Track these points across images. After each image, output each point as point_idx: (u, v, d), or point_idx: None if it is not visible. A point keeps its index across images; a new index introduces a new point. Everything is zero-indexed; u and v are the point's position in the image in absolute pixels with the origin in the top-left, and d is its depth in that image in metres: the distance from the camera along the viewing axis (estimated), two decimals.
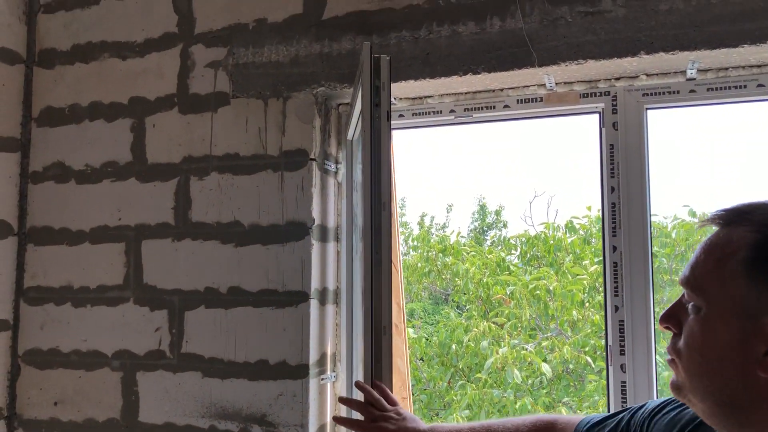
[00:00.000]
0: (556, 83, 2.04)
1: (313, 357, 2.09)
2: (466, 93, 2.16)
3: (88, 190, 2.37)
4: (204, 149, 2.24)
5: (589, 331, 6.24)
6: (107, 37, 2.39)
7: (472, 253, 8.75)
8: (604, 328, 2.02)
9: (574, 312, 6.31)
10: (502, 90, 2.12)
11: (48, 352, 2.37)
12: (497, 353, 6.12)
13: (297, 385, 2.07)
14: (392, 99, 2.16)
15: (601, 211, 2.04)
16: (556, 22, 1.91)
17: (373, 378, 1.67)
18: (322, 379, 2.14)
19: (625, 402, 1.93)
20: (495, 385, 6.60)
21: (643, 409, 1.26)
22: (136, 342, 2.27)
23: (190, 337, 2.21)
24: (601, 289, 6.68)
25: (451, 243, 8.96)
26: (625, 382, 1.93)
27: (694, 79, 1.93)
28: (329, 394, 2.18)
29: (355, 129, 2.12)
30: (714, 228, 0.96)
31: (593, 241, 7.58)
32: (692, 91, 1.95)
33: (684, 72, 1.93)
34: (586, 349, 6.32)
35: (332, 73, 2.11)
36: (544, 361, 6.20)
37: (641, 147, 1.97)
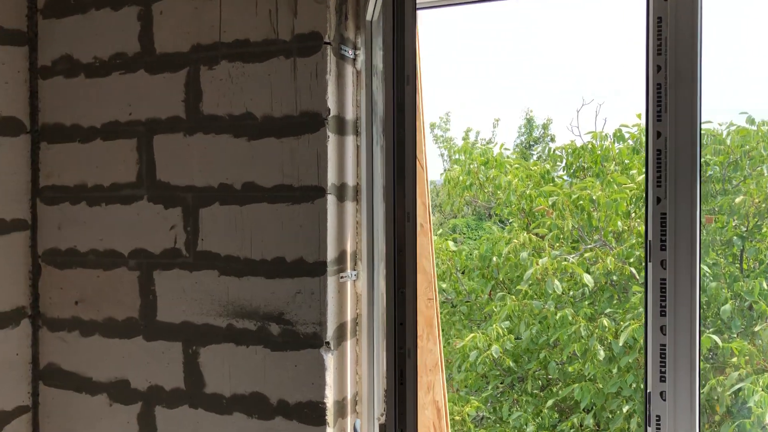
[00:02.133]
0: None
1: (331, 254, 1.99)
2: None
3: (97, 84, 2.26)
4: (213, 36, 2.09)
5: (634, 242, 6.04)
6: None
7: (516, 165, 8.53)
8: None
9: (619, 222, 6.10)
10: None
11: (66, 252, 2.33)
12: (537, 264, 5.99)
13: (315, 283, 1.99)
14: None
15: (645, 92, 1.84)
16: None
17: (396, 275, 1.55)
18: (342, 277, 2.04)
19: (664, 300, 1.78)
20: (535, 296, 6.51)
21: None
22: (151, 241, 2.20)
23: (206, 235, 2.13)
24: None
25: (494, 155, 8.73)
26: (665, 280, 1.78)
27: None
28: (350, 292, 2.09)
29: (375, 6, 1.94)
30: None
31: (642, 150, 7.27)
32: None
33: None
34: (631, 260, 6.14)
35: None
36: (587, 272, 6.05)
37: (693, 19, 1.75)
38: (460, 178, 8.82)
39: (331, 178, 1.98)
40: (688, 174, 1.76)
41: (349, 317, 2.09)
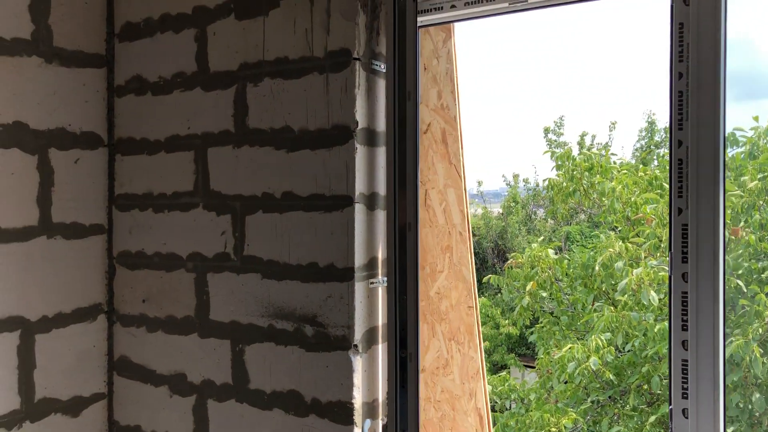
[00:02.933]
0: None
1: (359, 260, 2.07)
2: None
3: (162, 101, 2.47)
4: (258, 55, 2.24)
5: (742, 252, 5.69)
6: None
7: (624, 171, 8.23)
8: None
9: (726, 232, 5.76)
10: None
11: (136, 254, 2.56)
12: (632, 274, 5.77)
13: (343, 288, 2.07)
14: None
15: (669, 100, 1.79)
16: None
17: (397, 277, 1.62)
18: (372, 282, 2.12)
19: (686, 315, 1.72)
20: (635, 307, 6.27)
21: None
22: (205, 245, 2.38)
23: (251, 240, 2.27)
24: (762, 204, 6.05)
25: (599, 161, 8.46)
26: (686, 293, 1.73)
27: None
28: (380, 297, 2.16)
29: None
30: None
31: (758, 154, 6.82)
32: None
33: None
34: (740, 272, 5.78)
35: None
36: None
37: (716, 25, 1.68)
38: (564, 184, 8.63)
39: (360, 187, 2.06)
40: (710, 184, 1.69)
41: (380, 322, 2.16)
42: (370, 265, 2.12)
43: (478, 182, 19.00)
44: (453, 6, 2.07)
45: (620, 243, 6.21)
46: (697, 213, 1.71)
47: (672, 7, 1.75)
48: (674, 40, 1.74)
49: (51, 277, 2.42)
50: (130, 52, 2.55)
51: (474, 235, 16.92)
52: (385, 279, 2.17)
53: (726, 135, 1.72)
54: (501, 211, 18.16)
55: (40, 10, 2.36)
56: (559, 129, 17.63)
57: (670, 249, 1.78)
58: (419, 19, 2.13)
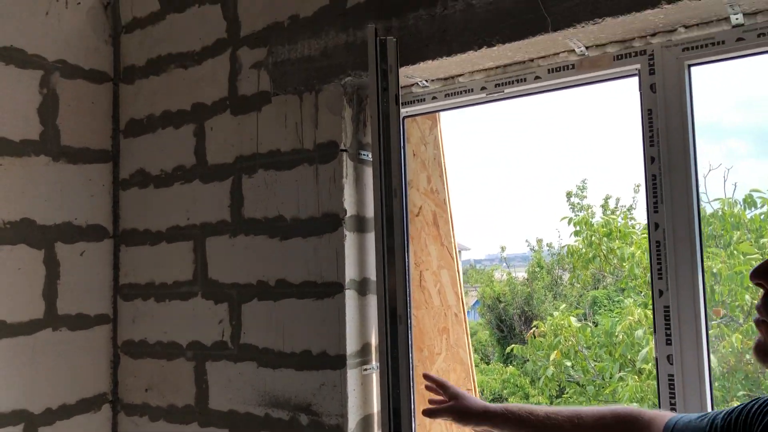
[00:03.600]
0: (587, 47, 1.85)
1: (351, 347, 2.09)
2: (495, 68, 2.03)
3: (163, 193, 2.57)
4: (252, 148, 2.33)
5: None
6: (172, 49, 2.57)
7: (643, 235, 8.18)
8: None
9: (747, 296, 5.65)
10: (532, 60, 1.97)
11: (139, 343, 2.60)
12: (652, 342, 5.66)
13: (336, 376, 2.09)
14: (424, 81, 2.10)
15: (644, 184, 1.82)
16: None
17: (390, 367, 1.63)
18: (365, 369, 2.13)
19: (674, 398, 1.71)
20: None
21: (734, 412, 1.20)
22: (204, 333, 2.42)
23: (247, 328, 2.31)
24: None
25: (618, 225, 8.43)
26: (672, 375, 1.71)
27: (742, 24, 1.66)
28: (375, 384, 2.16)
29: None
30: None
31: None
32: (740, 39, 1.67)
33: (727, 19, 1.66)
34: None
35: (357, 62, 2.08)
36: (711, 351, 5.62)
37: (683, 109, 1.73)
38: (583, 249, 8.58)
39: (350, 273, 2.10)
40: (688, 265, 1.70)
41: (375, 409, 2.16)
42: (363, 352, 2.13)
43: (502, 247, 18.93)
44: (434, 97, 2.15)
45: (640, 310, 6.12)
46: (678, 295, 1.71)
47: (640, 94, 1.80)
48: (644, 126, 1.78)
49: (56, 369, 2.47)
50: (134, 147, 2.66)
51: (500, 302, 16.75)
52: (379, 365, 2.18)
53: (701, 215, 1.74)
54: (526, 276, 17.98)
55: (49, 112, 2.49)
56: (582, 192, 17.60)
57: (654, 331, 1.78)
58: (404, 110, 2.22)
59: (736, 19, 1.64)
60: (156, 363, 2.55)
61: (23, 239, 2.40)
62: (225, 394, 2.34)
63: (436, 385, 1.80)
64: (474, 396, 1.78)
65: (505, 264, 18.55)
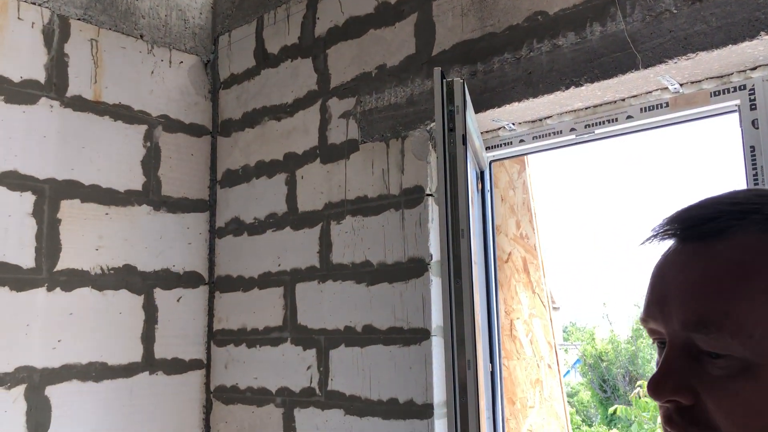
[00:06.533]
0: (681, 84, 1.78)
1: (438, 396, 2.04)
2: (585, 109, 1.98)
3: (256, 241, 2.63)
4: (340, 194, 2.36)
5: None
6: (266, 102, 2.67)
7: None
8: None
9: None
10: (623, 100, 1.91)
11: (230, 389, 2.64)
12: None
13: (423, 426, 2.03)
14: (511, 125, 2.08)
15: None
16: (660, 17, 1.68)
17: (458, 418, 1.58)
18: None
19: None
20: None
21: None
22: (293, 379, 2.42)
23: (334, 374, 2.30)
24: None
25: None
26: None
27: None
28: None
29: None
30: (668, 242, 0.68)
31: None
32: None
33: None
34: None
35: None
36: None
37: None
38: None
39: (437, 320, 2.07)
40: None
41: None
42: None
43: (603, 303, 18.24)
44: (521, 140, 2.12)
45: None
46: None
47: (741, 131, 1.71)
48: (747, 164, 1.68)
49: (152, 412, 2.53)
50: (230, 196, 2.76)
51: (602, 360, 16.03)
52: None
53: None
54: (630, 334, 17.19)
55: (151, 164, 2.63)
56: None
57: None
58: (490, 153, 2.20)
59: None
60: (246, 409, 2.57)
61: (125, 285, 2.51)
62: None
63: None
64: None
65: (607, 321, 17.83)
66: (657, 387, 0.63)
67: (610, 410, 8.78)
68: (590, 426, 15.26)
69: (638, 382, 8.92)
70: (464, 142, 1.65)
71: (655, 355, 0.70)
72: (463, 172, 1.61)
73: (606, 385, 15.94)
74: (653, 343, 0.70)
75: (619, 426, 13.99)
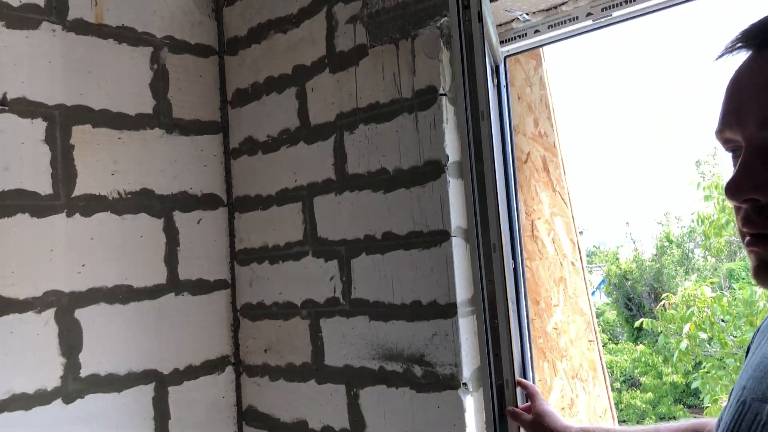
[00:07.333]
0: None
1: (461, 295, 2.03)
2: None
3: (271, 158, 2.61)
4: (351, 104, 2.32)
5: None
6: (271, 15, 2.60)
7: None
8: None
9: None
10: None
11: (256, 306, 2.67)
12: None
13: (448, 325, 2.04)
14: (525, 15, 2.01)
15: None
16: None
17: (486, 308, 1.58)
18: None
19: None
20: None
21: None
22: (317, 291, 2.44)
23: (357, 283, 2.31)
24: None
25: None
26: None
27: None
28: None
29: None
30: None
31: None
32: None
33: None
34: None
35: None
36: None
37: None
38: (714, 215, 8.06)
39: (456, 221, 2.04)
40: None
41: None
42: (475, 300, 2.07)
43: (626, 223, 18.18)
44: (536, 31, 2.05)
45: None
46: None
47: None
48: None
49: (180, 332, 2.57)
50: (242, 116, 2.73)
51: (627, 279, 16.08)
52: None
53: None
54: (654, 252, 17.17)
55: (160, 87, 2.59)
56: (714, 159, 16.57)
57: None
58: (505, 47, 2.13)
59: None
60: (273, 324, 2.60)
61: (144, 208, 2.51)
62: (339, 350, 2.36)
63: (527, 392, 1.84)
64: (557, 414, 1.74)
65: (630, 240, 17.79)
66: (736, 186, 0.66)
67: (636, 324, 8.84)
68: (616, 344, 15.40)
69: (663, 295, 8.93)
70: (480, 20, 1.59)
71: (731, 167, 0.71)
72: (481, 52, 1.56)
73: (631, 303, 16.03)
74: (728, 152, 0.72)
75: (645, 342, 14.11)
